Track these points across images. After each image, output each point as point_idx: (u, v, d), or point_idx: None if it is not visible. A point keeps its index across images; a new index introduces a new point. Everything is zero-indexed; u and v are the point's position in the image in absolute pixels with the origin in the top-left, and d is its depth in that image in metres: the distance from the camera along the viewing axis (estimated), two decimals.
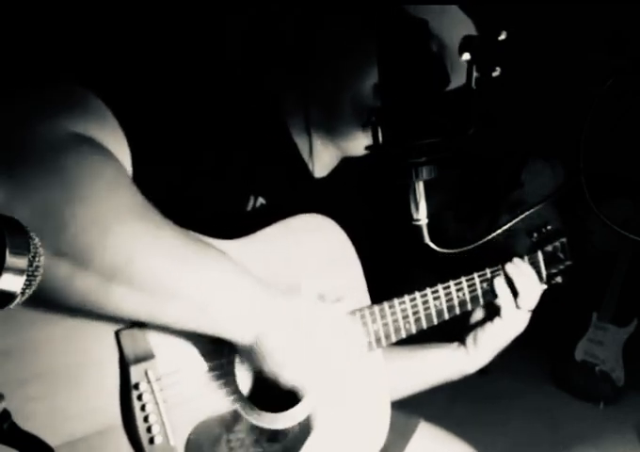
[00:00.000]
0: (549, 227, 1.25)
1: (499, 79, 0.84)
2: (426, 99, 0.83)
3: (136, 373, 0.84)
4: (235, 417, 0.93)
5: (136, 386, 0.84)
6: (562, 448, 2.50)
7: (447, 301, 1.16)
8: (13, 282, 0.52)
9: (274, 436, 0.97)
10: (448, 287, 1.17)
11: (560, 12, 2.30)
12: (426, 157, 0.84)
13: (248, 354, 0.88)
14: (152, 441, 0.85)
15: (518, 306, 1.21)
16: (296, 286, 0.97)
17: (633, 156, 2.60)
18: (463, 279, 1.19)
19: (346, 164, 1.17)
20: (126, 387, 0.84)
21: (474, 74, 0.83)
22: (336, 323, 0.93)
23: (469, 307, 1.20)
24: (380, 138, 0.86)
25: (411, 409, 1.36)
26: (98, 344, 0.83)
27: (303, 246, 1.03)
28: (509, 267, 1.21)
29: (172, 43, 1.11)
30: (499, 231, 1.16)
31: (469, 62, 0.83)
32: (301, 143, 1.11)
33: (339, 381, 0.99)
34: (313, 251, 1.04)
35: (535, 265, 1.26)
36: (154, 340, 0.86)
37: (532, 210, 1.24)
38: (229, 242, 0.95)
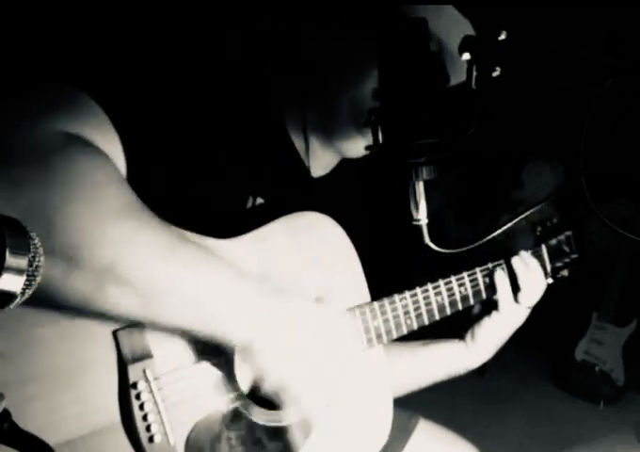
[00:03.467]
0: (554, 220, 1.24)
1: (499, 79, 0.84)
2: (426, 99, 0.83)
3: (133, 372, 0.84)
4: (236, 415, 0.93)
5: (134, 385, 0.84)
6: (562, 448, 2.50)
7: (449, 296, 1.15)
8: (13, 282, 0.52)
9: (275, 433, 0.97)
10: (450, 282, 1.16)
11: (560, 12, 2.30)
12: (426, 157, 0.84)
13: (241, 354, 0.88)
14: (151, 439, 0.85)
15: (517, 301, 1.20)
16: (293, 285, 0.97)
17: (633, 156, 2.60)
18: (465, 273, 1.18)
19: (346, 164, 1.18)
20: (124, 386, 0.84)
21: (474, 74, 0.83)
22: (332, 322, 0.93)
23: (471, 302, 1.19)
24: (380, 138, 0.86)
25: (411, 409, 1.36)
26: (95, 344, 0.83)
27: (302, 243, 1.03)
28: (515, 261, 1.20)
29: (172, 43, 1.11)
30: (499, 231, 1.16)
31: (469, 62, 0.83)
32: (299, 144, 1.12)
33: (337, 379, 0.99)
34: (312, 249, 1.04)
35: (539, 259, 1.25)
36: (153, 339, 0.86)
37: (532, 210, 1.24)
38: (227, 241, 0.94)
